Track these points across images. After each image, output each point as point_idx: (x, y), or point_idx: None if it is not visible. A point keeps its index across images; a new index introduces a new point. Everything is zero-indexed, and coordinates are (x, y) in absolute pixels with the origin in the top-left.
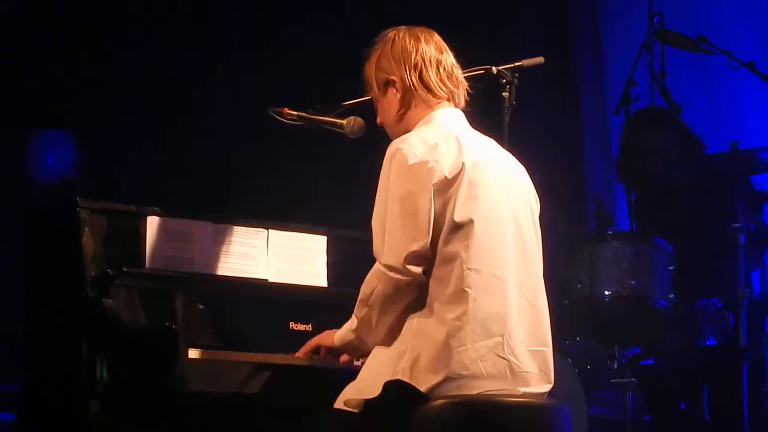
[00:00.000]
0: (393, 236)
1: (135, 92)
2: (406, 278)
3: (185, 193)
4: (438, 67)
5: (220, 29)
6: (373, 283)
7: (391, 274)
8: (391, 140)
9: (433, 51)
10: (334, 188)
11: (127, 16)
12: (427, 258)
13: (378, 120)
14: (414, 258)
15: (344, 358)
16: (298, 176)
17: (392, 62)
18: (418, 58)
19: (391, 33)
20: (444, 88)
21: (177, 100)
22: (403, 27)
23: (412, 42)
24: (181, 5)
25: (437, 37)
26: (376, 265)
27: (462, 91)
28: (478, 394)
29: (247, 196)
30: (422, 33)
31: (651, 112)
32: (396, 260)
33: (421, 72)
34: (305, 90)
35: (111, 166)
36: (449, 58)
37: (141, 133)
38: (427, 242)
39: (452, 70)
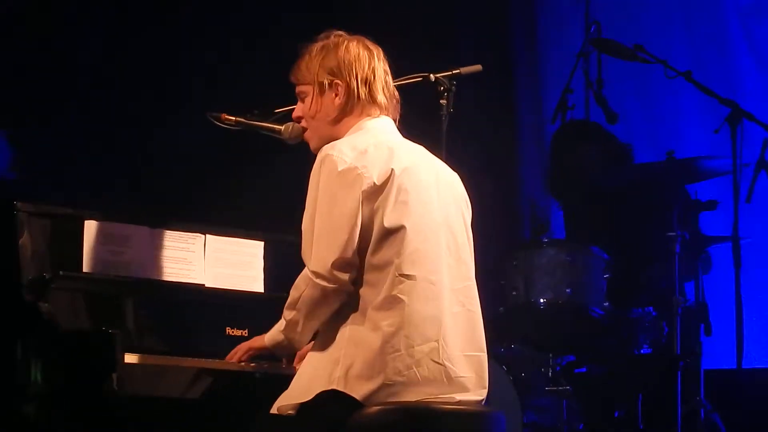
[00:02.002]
0: (320, 243)
1: (76, 89)
2: (332, 285)
3: (126, 196)
4: (384, 85)
5: (169, 27)
6: (300, 287)
7: (318, 280)
8: (303, 134)
9: (381, 68)
10: (270, 192)
11: (75, 8)
12: (353, 265)
13: (297, 113)
14: (340, 265)
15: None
16: (237, 180)
17: (343, 68)
18: (369, 71)
19: (343, 38)
20: (386, 103)
21: (124, 99)
22: (356, 36)
23: (366, 54)
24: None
25: (383, 56)
26: (305, 270)
27: (397, 113)
28: (414, 401)
29: (186, 200)
30: (374, 48)
31: (573, 126)
32: (322, 267)
33: (370, 85)
34: (254, 95)
35: (51, 167)
36: (390, 80)
37: (84, 132)
38: (353, 249)
39: (393, 91)
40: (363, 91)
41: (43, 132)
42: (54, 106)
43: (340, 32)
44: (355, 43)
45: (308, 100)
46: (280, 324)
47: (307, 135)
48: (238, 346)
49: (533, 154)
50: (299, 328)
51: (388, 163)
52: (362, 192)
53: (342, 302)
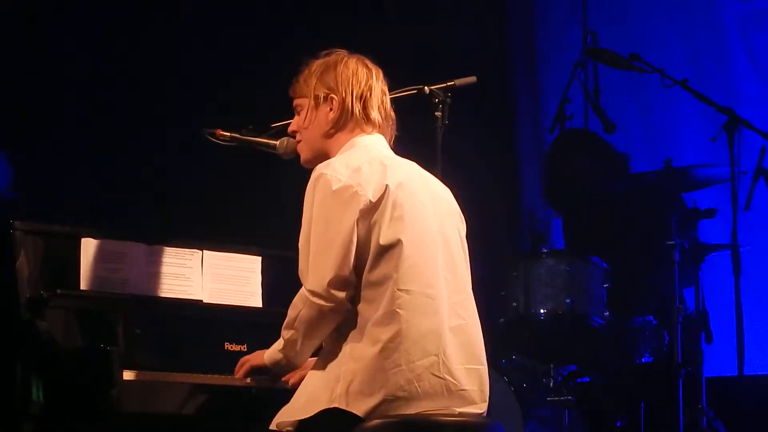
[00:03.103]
0: (316, 262)
1: (73, 109)
2: (329, 304)
3: (123, 214)
4: (380, 105)
5: (166, 47)
6: (298, 306)
7: (315, 299)
8: (297, 148)
9: (379, 88)
10: (267, 207)
11: (64, 29)
12: (350, 283)
13: (292, 127)
14: (337, 284)
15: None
16: (233, 196)
17: (339, 83)
18: (366, 88)
19: (343, 54)
20: (381, 122)
21: (120, 117)
22: (357, 54)
23: (365, 72)
24: (117, 20)
25: (382, 77)
26: (302, 290)
27: (392, 134)
28: (415, 413)
29: (183, 216)
30: (374, 68)
31: (571, 136)
32: (319, 286)
33: (365, 101)
34: (243, 110)
35: (48, 186)
36: (388, 101)
37: (79, 151)
38: (350, 268)
39: (389, 111)
40: (357, 108)
41: (40, 151)
42: (51, 125)
43: (342, 50)
44: (354, 61)
45: (303, 113)
46: (279, 343)
47: (300, 147)
48: (240, 361)
49: (532, 164)
50: (298, 348)
51: (383, 180)
52: (359, 210)
53: (340, 320)
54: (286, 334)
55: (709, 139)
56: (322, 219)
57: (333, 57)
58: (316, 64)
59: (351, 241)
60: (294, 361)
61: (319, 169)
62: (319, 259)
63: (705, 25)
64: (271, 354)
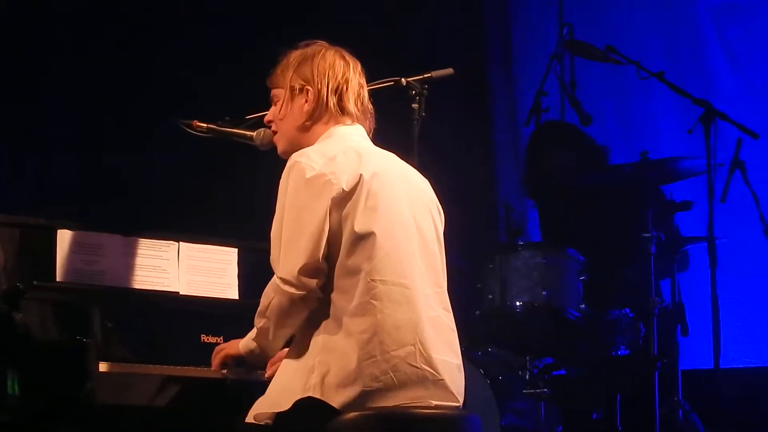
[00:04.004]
0: (288, 250)
1: (50, 98)
2: (300, 292)
3: (98, 206)
4: (357, 98)
5: (142, 38)
6: (270, 295)
7: (285, 287)
8: (273, 137)
9: (356, 81)
10: (243, 199)
11: (50, 19)
12: (321, 271)
13: (268, 117)
14: (308, 271)
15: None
16: (210, 188)
17: (315, 75)
18: (342, 81)
19: (322, 46)
20: (358, 114)
21: (96, 109)
22: (336, 47)
23: (342, 64)
24: (103, 12)
25: (360, 69)
26: (274, 278)
27: (370, 126)
28: (392, 406)
29: (159, 208)
30: (351, 60)
31: (547, 128)
32: (290, 273)
33: (341, 94)
34: (224, 102)
35: (22, 177)
36: (365, 94)
37: (56, 142)
38: (321, 256)
39: (367, 104)
40: (332, 100)
41: (15, 143)
42: (25, 116)
43: (322, 42)
44: (332, 53)
45: (279, 103)
46: (252, 332)
47: (276, 138)
48: (215, 350)
49: (508, 156)
50: (270, 336)
51: (357, 169)
52: (331, 199)
53: (312, 309)
54: (258, 322)
55: (686, 132)
56: (295, 207)
57: (311, 48)
58: (294, 55)
59: (323, 229)
60: (267, 349)
61: (294, 157)
62: (291, 246)
63: (680, 18)
64: (245, 343)
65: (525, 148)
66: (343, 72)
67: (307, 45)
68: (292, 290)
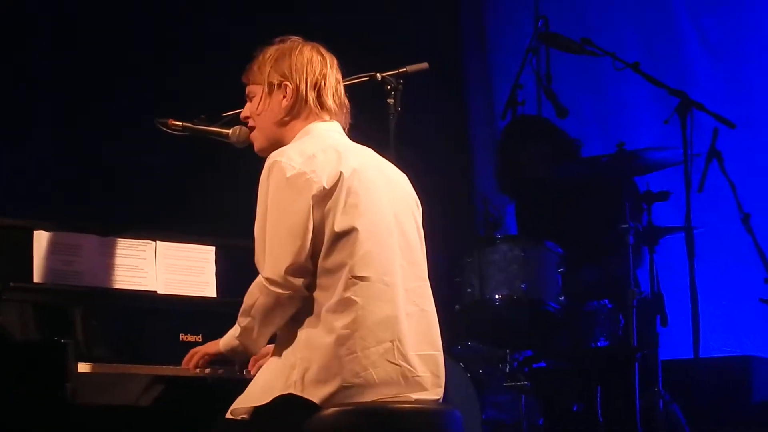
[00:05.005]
0: (272, 250)
1: (25, 99)
2: (286, 292)
3: (75, 206)
4: (334, 93)
5: (118, 36)
6: (255, 294)
7: (272, 287)
8: (250, 134)
9: (333, 76)
10: (219, 197)
11: (24, 18)
12: (307, 270)
13: (244, 113)
14: (294, 271)
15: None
16: (186, 186)
17: (293, 70)
18: (320, 76)
19: (298, 41)
20: (336, 110)
21: (71, 109)
22: (312, 42)
23: (319, 60)
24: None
25: (337, 65)
26: (259, 278)
27: (347, 121)
28: (371, 401)
29: (136, 208)
30: (328, 56)
31: (522, 122)
32: (276, 274)
33: (320, 90)
34: (202, 100)
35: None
36: (342, 89)
37: (31, 143)
38: (306, 255)
39: (344, 100)
40: (311, 96)
41: None
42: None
43: (297, 38)
44: (309, 48)
45: (256, 99)
46: (235, 330)
47: (253, 135)
48: (192, 351)
49: (485, 150)
50: (254, 335)
51: (337, 167)
52: (312, 197)
53: (297, 308)
54: (243, 321)
55: (662, 122)
56: (277, 207)
57: (288, 44)
58: (271, 51)
59: (307, 228)
60: (250, 348)
61: (273, 156)
62: (275, 247)
63: (655, 8)
64: (227, 341)
65: (498, 142)
66: (321, 67)
67: (283, 41)
68: (279, 290)
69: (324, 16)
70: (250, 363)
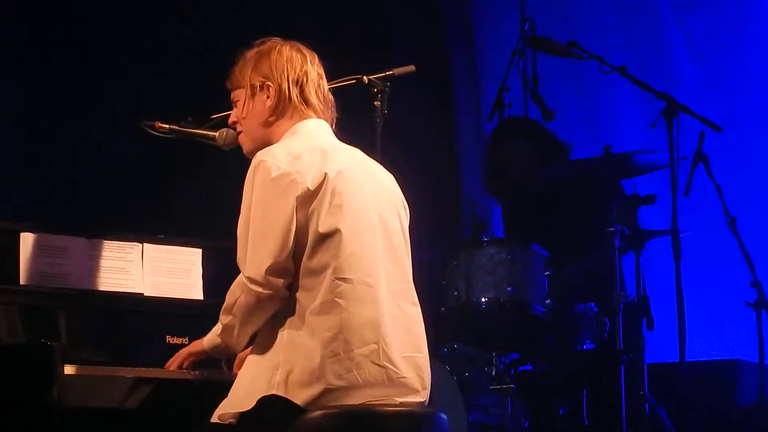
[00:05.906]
0: (254, 249)
1: (9, 99)
2: (267, 291)
3: (61, 208)
4: (317, 89)
5: (100, 38)
6: (236, 293)
7: (253, 286)
8: (238, 138)
9: (315, 72)
10: (206, 199)
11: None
12: (288, 270)
13: (231, 119)
14: (275, 271)
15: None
16: (173, 188)
17: (274, 70)
18: (301, 73)
19: (276, 42)
20: (320, 106)
21: (57, 110)
22: (290, 41)
23: (299, 57)
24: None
25: (318, 61)
26: (240, 276)
27: (332, 116)
28: (357, 404)
29: (123, 210)
30: (308, 53)
31: (509, 124)
32: (257, 273)
33: (302, 87)
34: (186, 103)
35: None
36: (325, 84)
37: (17, 144)
38: (288, 255)
39: (327, 95)
40: (294, 93)
41: None
42: None
43: (276, 38)
44: (288, 47)
45: (240, 103)
46: (217, 328)
47: (241, 138)
48: (178, 353)
49: (472, 153)
50: (235, 333)
51: (322, 167)
52: (296, 198)
53: (278, 307)
54: (224, 319)
55: (649, 125)
56: (261, 206)
57: (267, 45)
58: (250, 54)
59: (290, 228)
60: (232, 345)
61: (260, 155)
62: (258, 246)
63: (641, 11)
64: (210, 339)
65: (485, 145)
66: (301, 64)
67: (263, 42)
68: (260, 289)
69: (309, 18)
70: (235, 364)
